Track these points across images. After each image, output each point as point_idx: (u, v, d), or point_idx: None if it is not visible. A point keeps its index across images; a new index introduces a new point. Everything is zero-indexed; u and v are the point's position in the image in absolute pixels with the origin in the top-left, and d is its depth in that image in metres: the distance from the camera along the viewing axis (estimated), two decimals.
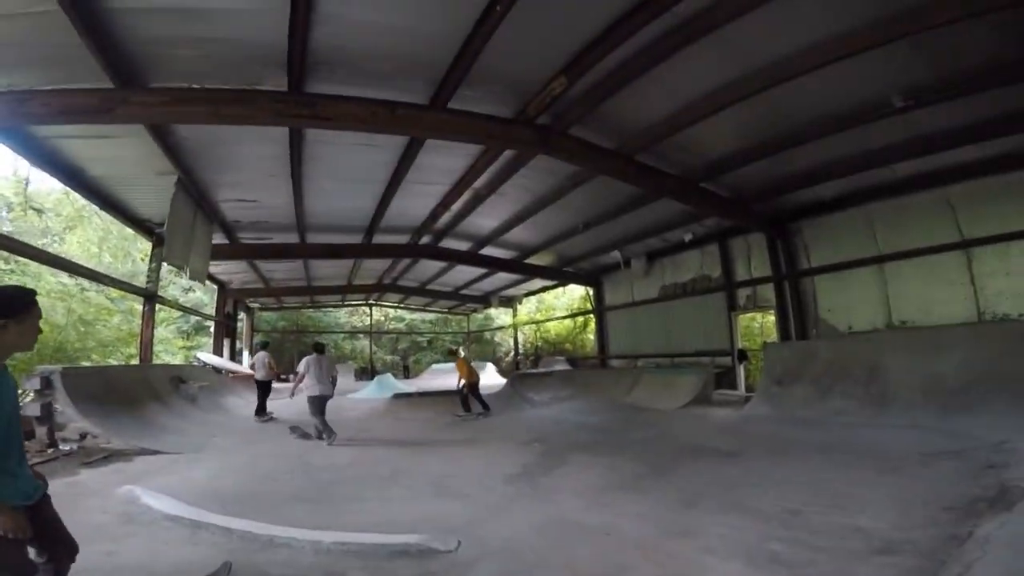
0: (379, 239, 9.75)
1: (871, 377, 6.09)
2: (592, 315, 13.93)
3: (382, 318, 23.68)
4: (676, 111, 5.20)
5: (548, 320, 19.03)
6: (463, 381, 8.13)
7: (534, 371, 13.78)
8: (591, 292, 13.49)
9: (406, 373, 20.00)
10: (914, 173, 6.41)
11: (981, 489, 3.11)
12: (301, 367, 6.19)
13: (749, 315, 10.09)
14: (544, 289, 16.89)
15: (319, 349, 6.35)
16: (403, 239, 10.00)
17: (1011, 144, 5.46)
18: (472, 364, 8.44)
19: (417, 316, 23.76)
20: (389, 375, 14.79)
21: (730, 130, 5.66)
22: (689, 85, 4.78)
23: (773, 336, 8.49)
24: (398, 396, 9.06)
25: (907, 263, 6.75)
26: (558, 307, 19.65)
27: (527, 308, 20.10)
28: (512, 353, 20.18)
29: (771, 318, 8.94)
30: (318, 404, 6.02)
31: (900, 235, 6.84)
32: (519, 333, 19.91)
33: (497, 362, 20.41)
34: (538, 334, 19.81)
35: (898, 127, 5.31)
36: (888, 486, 3.36)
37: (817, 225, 7.85)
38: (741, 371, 8.90)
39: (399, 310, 22.57)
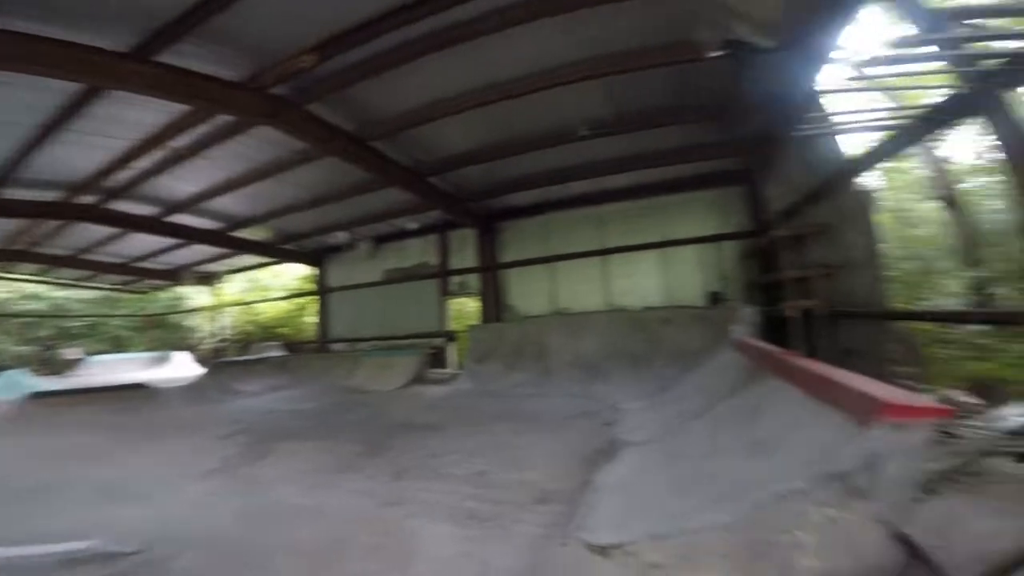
0: (11, 194, 7.29)
1: (540, 354, 7.76)
2: (313, 297, 13.44)
3: (8, 295, 17.46)
4: (420, 107, 5.64)
5: (261, 301, 17.39)
6: None
7: (241, 358, 12.53)
8: (313, 272, 13.01)
9: (52, 367, 15.29)
10: (582, 192, 8.46)
11: (602, 443, 4.10)
12: None
13: (460, 300, 11.44)
14: (257, 267, 15.34)
15: None
16: (52, 195, 7.72)
17: (644, 176, 7.72)
18: None
19: (69, 294, 18.34)
20: (21, 371, 11.19)
21: (462, 132, 6.41)
22: (437, 85, 5.27)
23: (477, 320, 9.93)
24: (39, 395, 7.09)
25: (567, 263, 8.94)
26: (275, 287, 18.13)
27: (235, 287, 17.87)
28: (212, 338, 17.69)
29: (476, 303, 10.37)
30: None
31: (565, 240, 8.99)
32: (222, 316, 17.58)
33: (192, 349, 17.58)
34: (249, 317, 17.90)
35: (579, 152, 6.82)
36: (546, 445, 4.21)
37: (513, 227, 9.65)
38: (452, 351, 10.11)
39: (37, 285, 16.98)
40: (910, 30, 3.31)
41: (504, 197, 8.74)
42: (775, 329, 5.94)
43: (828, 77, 4.36)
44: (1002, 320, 4.05)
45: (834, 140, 5.13)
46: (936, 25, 3.11)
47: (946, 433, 3.79)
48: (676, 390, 5.21)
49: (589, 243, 8.78)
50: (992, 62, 3.00)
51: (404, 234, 10.69)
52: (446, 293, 10.43)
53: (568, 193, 8.60)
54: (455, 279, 10.36)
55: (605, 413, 5.15)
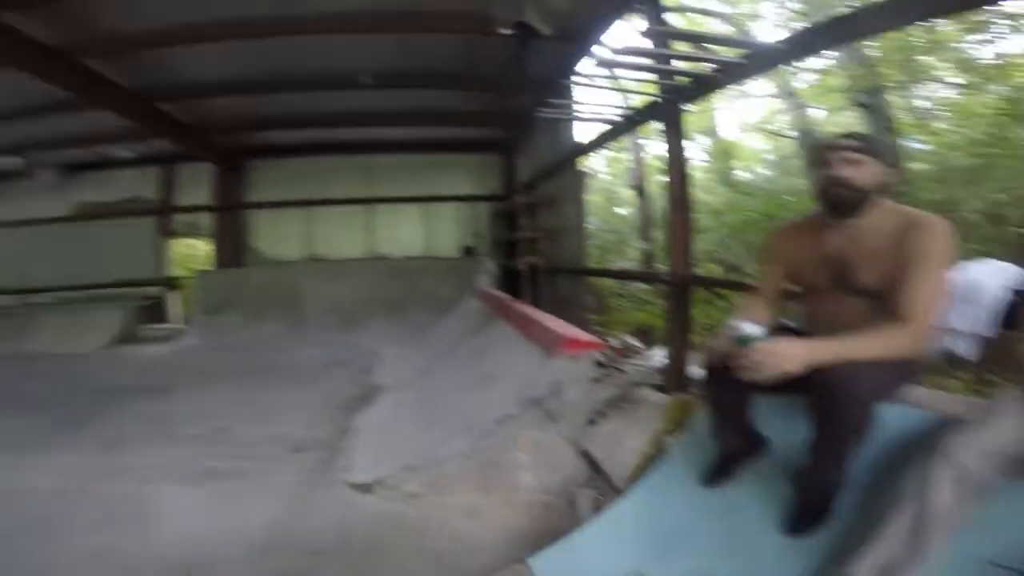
0: None
1: (293, 302, 7.38)
2: None
3: None
4: (172, 28, 4.62)
5: None
6: None
7: None
8: None
9: None
10: (351, 139, 8.11)
11: (359, 389, 4.19)
12: None
13: (188, 242, 9.89)
14: None
15: None
16: None
17: (417, 133, 7.83)
18: None
19: None
20: None
21: (220, 60, 5.41)
22: (201, 8, 4.38)
23: (210, 265, 8.77)
24: None
25: (329, 209, 8.59)
26: None
27: None
28: None
29: (211, 247, 9.10)
30: None
31: (328, 185, 8.57)
32: None
33: None
34: None
35: (354, 99, 6.47)
36: (300, 395, 4.15)
37: (267, 166, 8.71)
38: (175, 302, 8.75)
39: None
40: (640, 40, 3.96)
41: (259, 134, 7.86)
42: (512, 280, 7.02)
43: (580, 69, 5.10)
44: (648, 279, 5.60)
45: (570, 126, 6.15)
46: (659, 39, 3.71)
47: (614, 368, 5.04)
48: (430, 335, 5.65)
49: (354, 191, 8.58)
50: (682, 79, 3.65)
51: (111, 163, 8.55)
52: (168, 234, 8.85)
53: (337, 138, 8.18)
54: (182, 218, 8.86)
55: (364, 360, 5.24)
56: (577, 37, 4.54)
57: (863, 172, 1.56)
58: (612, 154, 12.97)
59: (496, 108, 6.77)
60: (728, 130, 13.09)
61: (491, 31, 4.59)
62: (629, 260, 8.00)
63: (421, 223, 8.71)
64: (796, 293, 1.92)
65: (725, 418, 1.79)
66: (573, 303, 6.05)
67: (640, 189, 7.49)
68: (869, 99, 6.49)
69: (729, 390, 1.66)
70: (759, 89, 11.17)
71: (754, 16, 9.38)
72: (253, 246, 8.72)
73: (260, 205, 8.71)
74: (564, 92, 5.47)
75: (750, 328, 1.49)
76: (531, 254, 6.48)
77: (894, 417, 1.59)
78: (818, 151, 1.71)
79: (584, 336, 2.93)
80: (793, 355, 1.38)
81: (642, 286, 6.88)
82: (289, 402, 4.04)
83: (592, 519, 2.05)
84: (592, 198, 13.14)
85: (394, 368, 4.83)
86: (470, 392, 3.37)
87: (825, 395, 1.39)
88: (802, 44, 2.83)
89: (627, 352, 5.40)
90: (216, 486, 2.67)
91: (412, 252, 8.57)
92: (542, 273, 6.35)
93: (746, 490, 1.81)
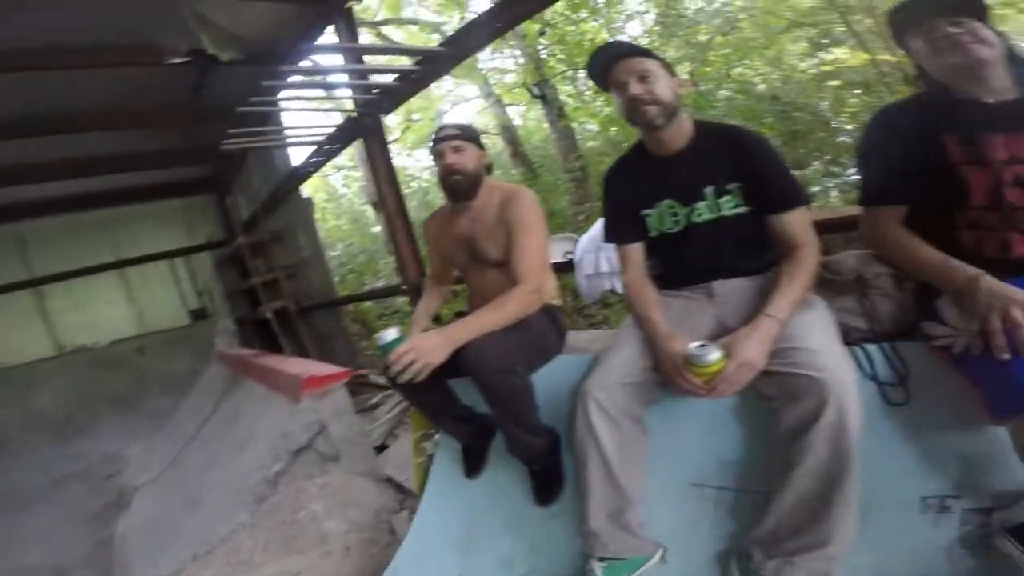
0: None
1: None
2: None
3: None
4: None
5: None
6: None
7: None
8: None
9: None
10: None
11: (107, 496, 3.95)
12: None
13: None
14: None
15: None
16: None
17: (87, 185, 6.26)
18: None
19: None
20: None
21: None
22: None
23: None
24: None
25: None
26: None
27: None
28: None
29: None
30: None
31: None
32: None
33: None
34: None
35: None
36: (33, 523, 3.74)
37: None
38: None
39: None
40: (330, 58, 3.90)
41: None
42: (263, 332, 6.40)
43: (283, 91, 4.85)
44: (388, 293, 5.75)
45: (285, 152, 5.86)
46: (349, 55, 3.78)
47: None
48: (173, 418, 5.15)
49: (9, 274, 6.64)
50: (374, 93, 3.79)
51: None
52: None
53: None
54: None
55: (102, 466, 4.85)
56: (271, 60, 4.35)
57: (467, 158, 1.75)
58: (348, 173, 12.83)
59: (191, 144, 6.05)
60: None
61: (160, 62, 4.12)
62: (383, 278, 8.01)
63: (124, 295, 7.23)
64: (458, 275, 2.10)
65: (438, 417, 1.82)
66: (336, 336, 5.86)
67: (376, 204, 7.61)
68: (541, 91, 7.74)
69: (418, 393, 1.64)
70: (470, 92, 12.24)
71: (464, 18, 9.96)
72: None
73: None
74: (267, 118, 5.20)
75: (387, 335, 1.53)
76: (275, 298, 6.00)
77: (560, 369, 1.72)
78: (431, 145, 1.82)
79: (326, 370, 2.93)
80: (431, 346, 1.43)
81: (402, 299, 7.00)
82: (23, 531, 3.66)
83: (404, 539, 2.02)
84: (337, 222, 12.79)
85: (143, 463, 4.50)
86: (231, 462, 3.22)
87: (468, 372, 1.45)
88: (459, 44, 3.17)
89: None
90: None
91: (122, 332, 7.07)
92: (293, 315, 5.96)
93: (502, 471, 1.85)
